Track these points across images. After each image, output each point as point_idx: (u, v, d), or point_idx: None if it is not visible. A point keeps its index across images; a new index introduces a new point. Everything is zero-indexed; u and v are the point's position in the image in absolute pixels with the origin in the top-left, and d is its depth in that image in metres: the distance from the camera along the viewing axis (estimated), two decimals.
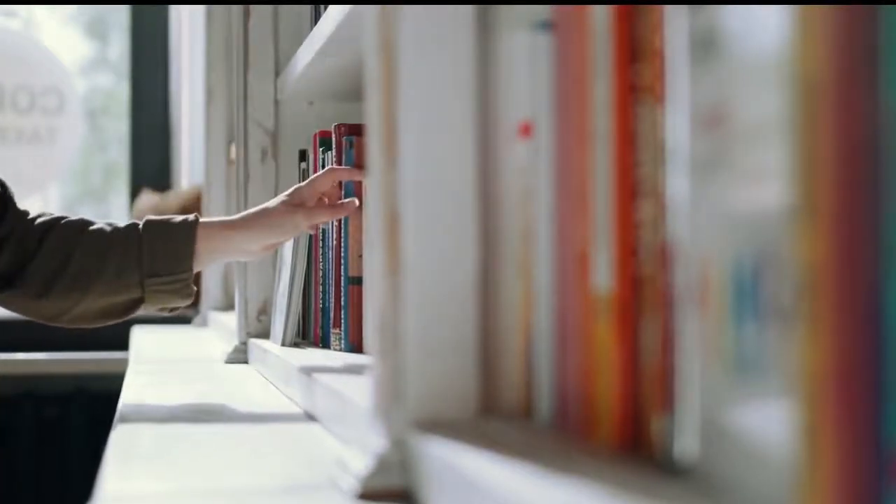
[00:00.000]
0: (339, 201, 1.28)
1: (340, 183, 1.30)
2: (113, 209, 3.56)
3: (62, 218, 1.21)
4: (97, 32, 3.65)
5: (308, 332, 1.47)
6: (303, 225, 1.24)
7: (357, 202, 1.26)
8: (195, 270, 1.20)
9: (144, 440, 0.91)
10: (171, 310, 1.23)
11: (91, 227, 1.20)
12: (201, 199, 2.55)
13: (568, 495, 0.47)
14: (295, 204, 1.23)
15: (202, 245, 1.20)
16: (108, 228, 1.20)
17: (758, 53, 0.43)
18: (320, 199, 1.27)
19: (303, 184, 1.26)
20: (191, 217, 1.21)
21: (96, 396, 2.74)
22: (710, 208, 0.47)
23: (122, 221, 1.22)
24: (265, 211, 1.23)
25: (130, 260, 1.18)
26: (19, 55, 3.28)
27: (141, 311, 1.22)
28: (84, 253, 1.18)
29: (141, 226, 1.20)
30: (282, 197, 1.25)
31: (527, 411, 0.67)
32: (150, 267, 1.18)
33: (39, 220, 1.21)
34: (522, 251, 0.67)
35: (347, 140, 1.31)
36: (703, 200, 0.48)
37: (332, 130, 1.35)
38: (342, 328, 1.31)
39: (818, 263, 0.39)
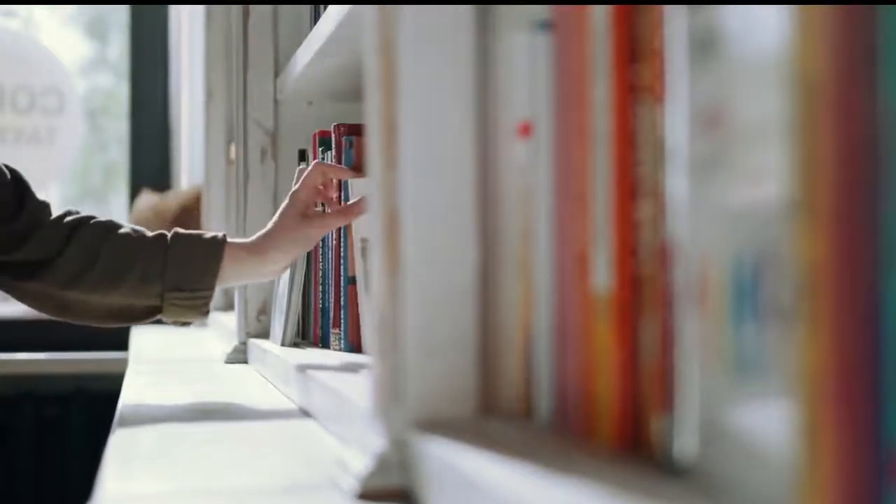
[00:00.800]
0: (346, 204, 1.28)
1: (339, 183, 1.30)
2: (113, 209, 3.56)
3: (91, 217, 1.22)
4: (97, 32, 3.65)
5: (308, 332, 1.47)
6: (317, 236, 1.24)
7: (365, 203, 1.25)
8: (217, 289, 1.21)
9: (144, 440, 0.91)
10: (184, 323, 1.23)
11: (120, 231, 1.21)
12: (201, 199, 2.55)
13: (568, 495, 0.47)
14: (301, 212, 1.23)
15: (227, 267, 1.20)
16: (136, 234, 1.21)
17: (758, 53, 0.43)
18: (319, 192, 1.27)
19: (296, 187, 1.25)
20: (220, 235, 1.22)
21: (96, 396, 2.74)
22: (710, 208, 0.47)
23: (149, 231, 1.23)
24: (280, 228, 1.23)
25: (155, 269, 1.18)
26: (19, 55, 3.28)
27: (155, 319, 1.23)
28: (111, 254, 1.19)
29: (170, 237, 1.20)
30: (284, 209, 1.24)
31: (527, 411, 0.67)
32: (173, 280, 1.18)
33: (68, 219, 1.21)
34: (522, 251, 0.67)
35: (347, 140, 1.31)
36: (703, 200, 0.48)
37: (332, 130, 1.35)
38: (342, 328, 1.31)
39: (818, 263, 0.39)
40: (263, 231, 1.24)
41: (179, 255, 1.19)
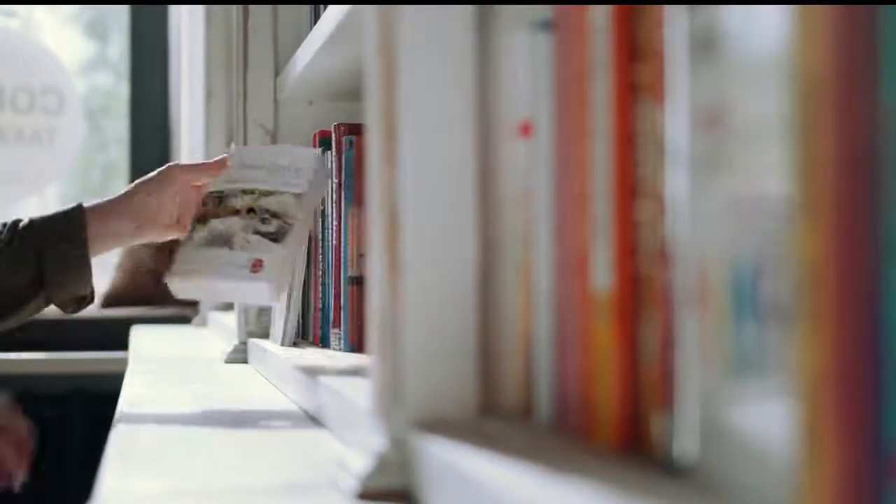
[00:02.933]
0: (215, 159, 1.26)
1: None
2: None
3: None
4: (97, 32, 3.65)
5: (307, 332, 1.47)
6: (179, 179, 1.23)
7: (228, 162, 1.24)
8: (94, 254, 1.20)
9: (144, 440, 0.91)
10: (74, 306, 1.21)
11: None
12: None
13: (568, 495, 0.47)
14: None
15: (90, 215, 1.20)
16: None
17: (758, 53, 0.43)
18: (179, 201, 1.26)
19: (147, 176, 1.26)
20: (71, 204, 1.22)
21: (95, 396, 2.74)
22: (710, 208, 0.47)
23: None
24: (138, 182, 1.24)
25: (22, 245, 1.18)
26: (19, 55, 3.28)
27: (45, 311, 1.22)
28: None
29: (22, 222, 1.20)
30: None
31: (527, 411, 0.67)
32: (41, 244, 1.18)
33: None
34: (522, 251, 0.67)
35: (347, 139, 1.31)
36: (703, 200, 0.48)
37: (332, 130, 1.35)
38: (342, 328, 1.31)
39: (818, 263, 0.39)
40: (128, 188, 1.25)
41: (40, 226, 1.19)
